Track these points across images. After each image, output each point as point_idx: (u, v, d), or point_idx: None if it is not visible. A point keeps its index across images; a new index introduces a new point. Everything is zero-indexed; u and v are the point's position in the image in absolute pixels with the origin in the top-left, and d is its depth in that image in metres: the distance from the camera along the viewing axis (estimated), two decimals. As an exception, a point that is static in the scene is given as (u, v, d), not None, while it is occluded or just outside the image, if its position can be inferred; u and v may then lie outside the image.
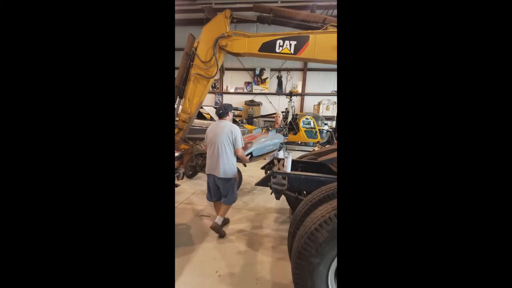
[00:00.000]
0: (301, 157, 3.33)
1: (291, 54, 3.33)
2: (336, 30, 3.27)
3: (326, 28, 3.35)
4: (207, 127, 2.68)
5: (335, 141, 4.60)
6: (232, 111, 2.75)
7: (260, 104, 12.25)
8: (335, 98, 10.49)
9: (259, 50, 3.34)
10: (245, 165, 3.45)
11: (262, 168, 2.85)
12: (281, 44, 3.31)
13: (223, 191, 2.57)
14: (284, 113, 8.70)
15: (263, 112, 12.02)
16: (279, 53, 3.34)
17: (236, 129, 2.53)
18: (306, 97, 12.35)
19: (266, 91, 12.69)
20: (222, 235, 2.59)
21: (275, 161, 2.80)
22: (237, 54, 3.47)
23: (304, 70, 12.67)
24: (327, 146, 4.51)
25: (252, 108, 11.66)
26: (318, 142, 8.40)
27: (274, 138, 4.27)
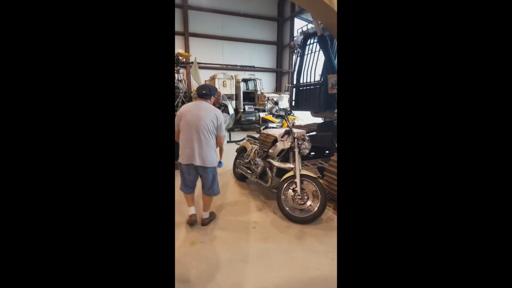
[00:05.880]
0: None
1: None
2: None
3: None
4: None
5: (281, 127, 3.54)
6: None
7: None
8: (231, 73, 9.19)
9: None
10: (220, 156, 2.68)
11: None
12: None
13: (207, 180, 2.26)
14: (177, 92, 6.45)
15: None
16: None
17: (221, 114, 2.26)
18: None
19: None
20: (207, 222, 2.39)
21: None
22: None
23: (186, 34, 10.25)
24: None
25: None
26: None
27: (225, 121, 3.84)
